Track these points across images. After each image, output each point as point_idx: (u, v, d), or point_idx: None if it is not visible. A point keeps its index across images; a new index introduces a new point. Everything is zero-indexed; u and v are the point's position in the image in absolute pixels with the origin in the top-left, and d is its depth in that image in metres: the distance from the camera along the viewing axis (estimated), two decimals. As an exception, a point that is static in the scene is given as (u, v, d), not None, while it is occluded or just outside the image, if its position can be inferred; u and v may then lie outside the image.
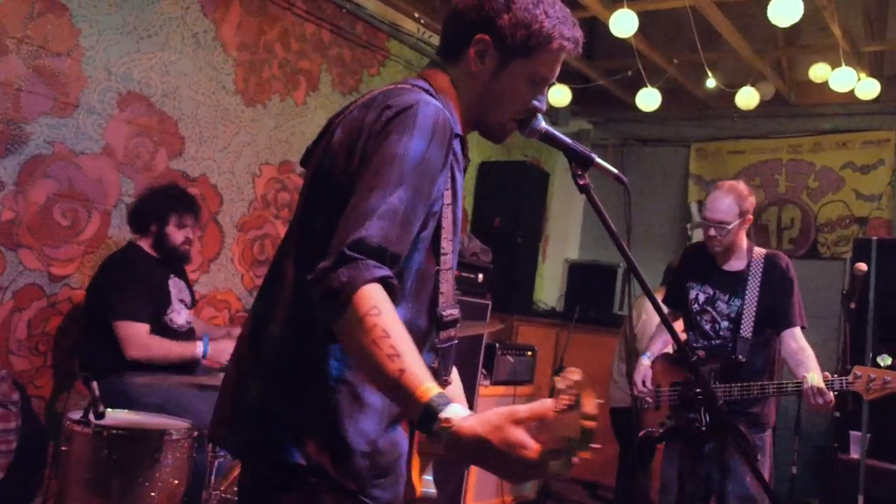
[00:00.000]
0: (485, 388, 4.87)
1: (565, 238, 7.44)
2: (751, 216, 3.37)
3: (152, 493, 2.67)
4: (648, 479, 4.84)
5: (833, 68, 5.17)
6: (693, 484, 3.18)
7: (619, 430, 4.94)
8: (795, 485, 4.84)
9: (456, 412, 1.14)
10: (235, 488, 2.61)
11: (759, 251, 3.40)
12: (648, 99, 5.70)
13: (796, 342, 3.24)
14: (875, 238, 4.55)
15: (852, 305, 3.34)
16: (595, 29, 6.00)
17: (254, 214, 4.70)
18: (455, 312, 1.50)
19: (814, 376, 3.04)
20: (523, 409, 1.13)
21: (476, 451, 1.12)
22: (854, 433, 4.32)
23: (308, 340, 1.35)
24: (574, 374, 1.11)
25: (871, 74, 5.38)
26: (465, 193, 6.13)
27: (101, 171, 3.89)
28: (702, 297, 3.44)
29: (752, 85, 5.67)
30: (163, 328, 3.43)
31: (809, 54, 5.79)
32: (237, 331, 2.93)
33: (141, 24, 4.02)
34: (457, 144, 1.47)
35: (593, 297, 6.44)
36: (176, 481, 2.73)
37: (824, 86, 5.32)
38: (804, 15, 4.31)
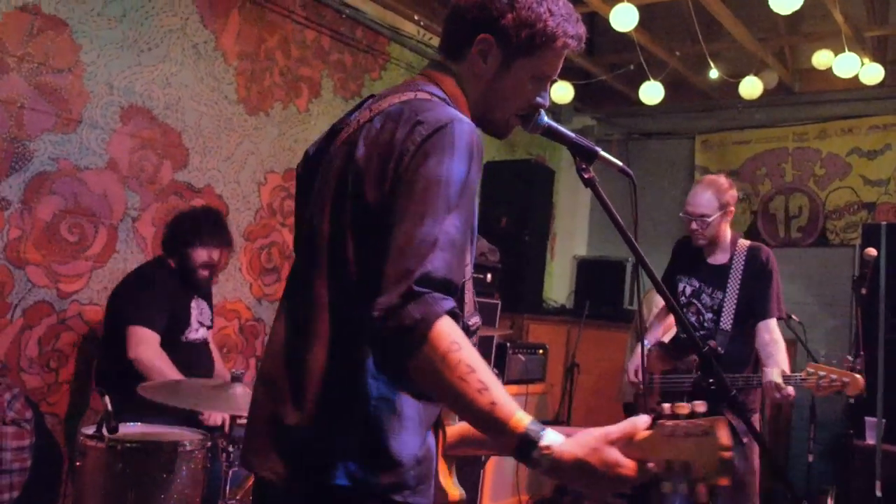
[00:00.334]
0: (497, 388, 4.85)
1: (573, 235, 7.43)
2: (732, 208, 3.47)
3: (169, 505, 2.68)
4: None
5: (836, 54, 5.13)
6: None
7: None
8: (812, 473, 4.81)
9: (554, 439, 1.20)
10: (251, 498, 2.61)
11: (743, 244, 3.46)
12: (651, 92, 5.68)
13: (769, 334, 3.27)
14: (884, 223, 4.52)
15: (863, 291, 3.33)
16: (596, 24, 5.99)
17: (260, 223, 4.70)
18: (478, 320, 1.52)
19: (773, 371, 3.08)
20: (615, 430, 1.22)
21: (576, 473, 1.20)
22: (869, 419, 4.30)
23: (349, 365, 1.34)
24: (684, 409, 1.21)
25: (875, 59, 5.34)
26: (471, 194, 6.12)
27: (106, 186, 3.89)
28: (688, 290, 3.52)
29: (756, 74, 5.64)
30: (177, 344, 3.45)
31: (812, 41, 5.75)
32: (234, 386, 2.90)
33: (141, 38, 4.03)
34: None
35: (603, 292, 6.42)
36: (191, 492, 2.73)
37: (828, 72, 5.28)
38: (805, 2, 4.28)
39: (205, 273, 3.59)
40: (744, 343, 3.33)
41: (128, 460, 2.63)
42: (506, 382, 4.99)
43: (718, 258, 3.46)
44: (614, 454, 1.21)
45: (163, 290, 3.46)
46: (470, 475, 4.54)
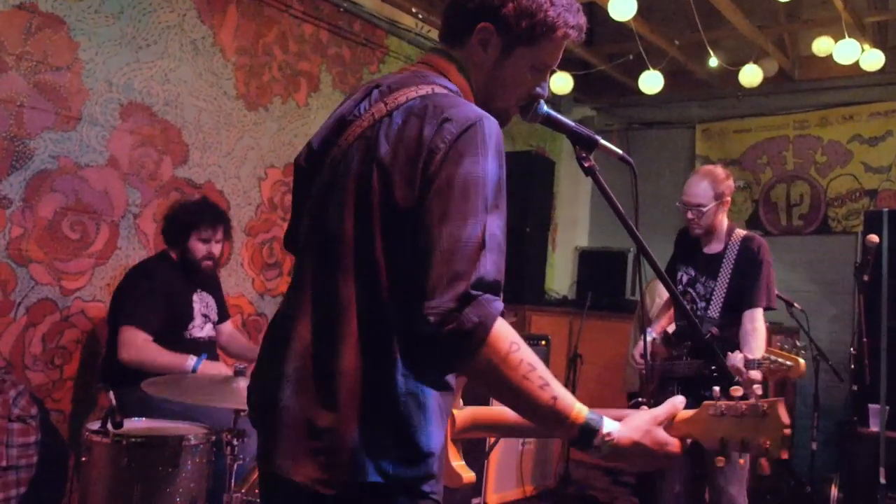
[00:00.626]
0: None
1: (574, 226, 7.43)
2: (728, 199, 3.50)
3: (177, 499, 2.69)
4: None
5: (836, 41, 5.11)
6: (691, 454, 3.29)
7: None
8: (815, 461, 4.82)
9: (612, 426, 1.32)
10: (256, 490, 2.62)
11: (739, 234, 3.50)
12: (651, 82, 5.67)
13: (751, 323, 3.31)
14: (886, 210, 4.51)
15: (865, 278, 3.33)
16: (594, 14, 5.97)
17: (261, 218, 4.70)
18: None
19: (737, 356, 3.14)
20: (661, 412, 1.37)
21: (633, 454, 1.33)
22: (872, 406, 4.30)
23: (380, 364, 1.34)
24: (737, 392, 1.35)
25: (875, 45, 5.32)
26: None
27: (106, 183, 3.90)
28: (685, 279, 3.58)
29: (755, 62, 5.63)
30: (180, 340, 3.44)
31: (812, 28, 5.73)
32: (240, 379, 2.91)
33: (139, 34, 4.02)
34: None
35: (605, 283, 6.42)
36: (196, 486, 2.74)
37: (828, 59, 5.26)
38: (804, -12, 4.27)
39: (208, 262, 3.56)
40: (730, 331, 3.36)
41: (133, 455, 2.64)
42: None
43: (713, 248, 3.51)
44: (663, 434, 1.35)
45: (161, 285, 3.45)
46: (474, 466, 4.55)
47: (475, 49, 1.50)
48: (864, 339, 3.81)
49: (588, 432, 1.30)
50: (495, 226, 1.29)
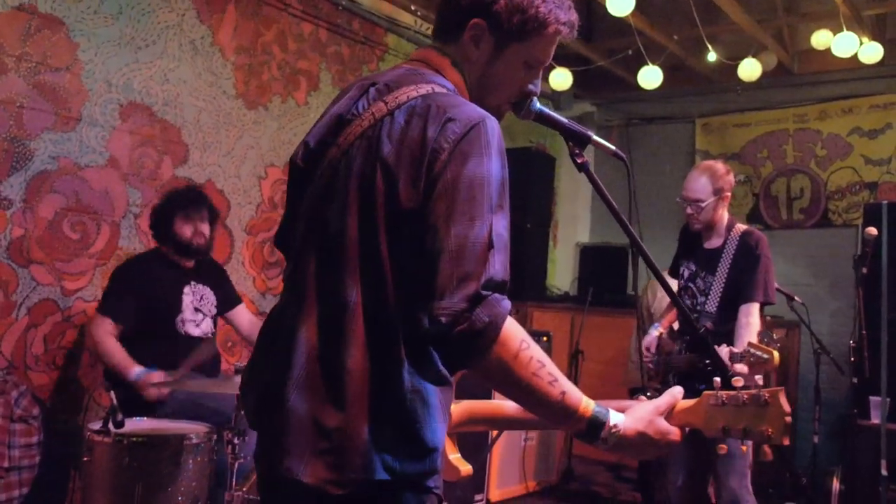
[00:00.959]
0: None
1: (575, 222, 7.43)
2: (728, 194, 3.50)
3: (179, 498, 2.70)
4: (670, 457, 4.84)
5: (835, 34, 5.11)
6: (693, 448, 3.29)
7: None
8: (818, 454, 4.83)
9: (618, 417, 1.37)
10: (257, 490, 2.63)
11: (738, 228, 3.51)
12: (650, 77, 5.67)
13: (746, 318, 3.31)
14: (885, 202, 4.50)
15: (864, 270, 3.33)
16: (593, 10, 5.97)
17: (262, 217, 4.71)
18: None
19: (722, 349, 3.13)
20: (662, 403, 1.42)
21: (638, 444, 1.38)
22: (874, 398, 4.29)
23: (387, 364, 1.35)
24: (739, 382, 1.39)
25: (874, 38, 5.32)
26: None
27: (107, 183, 3.91)
28: (686, 274, 3.60)
29: (754, 56, 5.63)
30: (171, 336, 3.42)
31: (810, 21, 5.73)
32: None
33: (138, 35, 4.03)
34: None
35: (606, 279, 6.42)
36: (198, 485, 2.76)
37: (827, 52, 5.26)
38: (802, -18, 4.27)
39: (199, 240, 3.50)
40: (728, 326, 3.37)
41: (134, 454, 2.65)
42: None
43: (713, 242, 3.53)
44: (665, 424, 1.40)
45: (140, 277, 3.41)
46: (476, 462, 4.56)
47: (468, 45, 1.50)
48: (863, 332, 3.80)
49: (596, 425, 1.34)
50: (501, 225, 1.31)
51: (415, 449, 1.36)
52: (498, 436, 4.25)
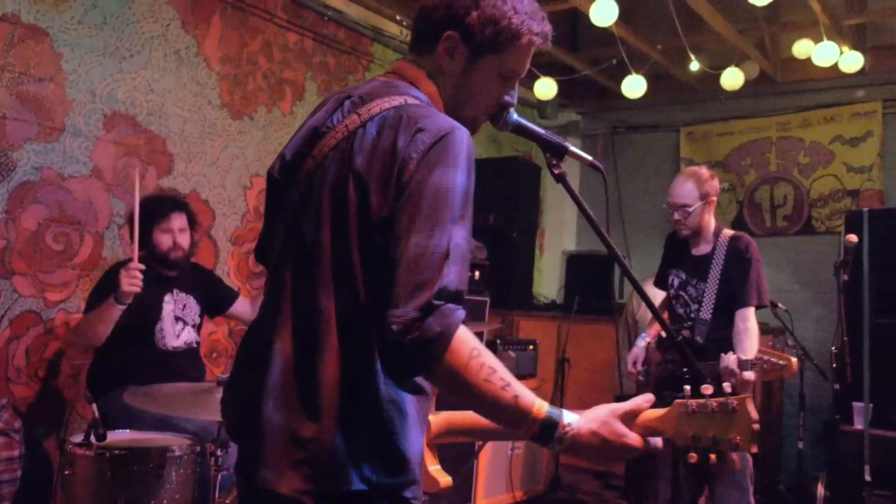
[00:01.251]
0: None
1: (561, 230, 7.45)
2: (714, 199, 3.51)
3: (160, 511, 2.68)
4: (657, 467, 4.85)
5: (816, 43, 5.16)
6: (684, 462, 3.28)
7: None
8: (802, 460, 4.85)
9: (572, 417, 1.36)
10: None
11: (726, 234, 3.51)
12: (634, 86, 5.70)
13: (744, 322, 3.33)
14: (866, 209, 4.55)
15: (845, 277, 3.35)
16: (577, 20, 6.01)
17: (247, 227, 4.71)
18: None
19: (730, 357, 3.14)
20: (622, 406, 1.41)
21: (592, 445, 1.37)
22: (857, 404, 4.32)
23: (362, 374, 1.36)
24: (708, 390, 1.39)
25: (854, 47, 5.37)
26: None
27: (90, 194, 3.90)
28: (676, 282, 3.60)
29: (737, 65, 5.67)
30: (150, 344, 3.37)
31: (791, 31, 5.78)
32: None
33: (122, 45, 4.03)
34: None
35: (592, 287, 6.42)
36: (181, 497, 2.74)
37: (808, 61, 5.30)
38: (782, -9, 4.31)
39: (176, 253, 3.44)
40: (725, 332, 3.37)
41: (116, 467, 2.63)
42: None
43: (702, 249, 3.52)
44: (621, 426, 1.39)
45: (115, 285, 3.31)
46: (462, 472, 4.56)
47: (442, 57, 1.52)
48: (845, 338, 3.84)
49: (549, 426, 1.34)
50: (460, 236, 1.31)
51: (392, 459, 1.36)
52: (483, 444, 4.24)
